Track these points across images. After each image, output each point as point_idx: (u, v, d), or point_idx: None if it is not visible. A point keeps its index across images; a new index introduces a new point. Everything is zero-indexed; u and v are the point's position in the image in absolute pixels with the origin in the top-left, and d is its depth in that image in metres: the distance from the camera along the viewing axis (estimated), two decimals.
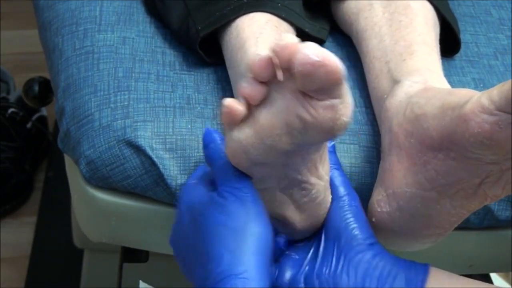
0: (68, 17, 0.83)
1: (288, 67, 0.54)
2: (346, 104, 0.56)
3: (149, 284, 0.88)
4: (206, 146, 0.64)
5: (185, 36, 0.78)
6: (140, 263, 0.88)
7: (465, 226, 0.78)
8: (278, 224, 0.67)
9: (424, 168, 0.64)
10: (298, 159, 0.61)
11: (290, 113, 0.56)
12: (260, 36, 0.72)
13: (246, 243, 0.59)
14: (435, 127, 0.62)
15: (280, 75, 0.55)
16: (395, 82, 0.71)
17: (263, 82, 0.57)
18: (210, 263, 0.59)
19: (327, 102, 0.55)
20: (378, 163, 0.71)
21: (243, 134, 0.59)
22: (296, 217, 0.66)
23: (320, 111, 0.56)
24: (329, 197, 0.68)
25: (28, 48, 1.63)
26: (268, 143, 0.58)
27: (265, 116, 0.57)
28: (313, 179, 0.64)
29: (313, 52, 0.53)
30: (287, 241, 0.70)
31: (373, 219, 0.69)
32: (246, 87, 0.57)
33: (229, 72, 0.75)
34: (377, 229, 0.69)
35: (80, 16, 0.82)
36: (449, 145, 0.61)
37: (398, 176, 0.66)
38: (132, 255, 0.87)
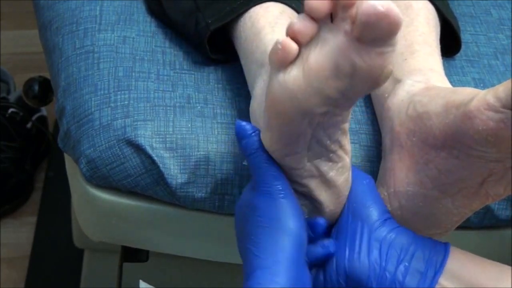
0: (68, 16, 0.83)
1: (347, 10, 0.54)
2: (394, 53, 0.57)
3: (149, 284, 0.88)
4: (239, 142, 0.64)
5: (192, 31, 0.78)
6: (140, 263, 0.88)
7: (465, 225, 0.78)
8: (304, 201, 0.66)
9: (426, 166, 0.64)
10: (331, 122, 0.61)
11: (343, 55, 0.56)
12: (275, 25, 0.72)
13: (278, 240, 0.60)
14: (439, 125, 0.62)
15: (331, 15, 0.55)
16: (397, 81, 0.71)
17: (314, 20, 0.56)
18: (245, 260, 0.60)
19: (380, 49, 0.55)
20: (379, 162, 0.71)
21: (291, 76, 0.58)
22: (321, 192, 0.65)
23: (372, 56, 0.55)
24: (350, 179, 0.67)
25: (28, 48, 1.62)
26: (315, 85, 0.57)
27: (315, 56, 0.57)
28: (340, 152, 0.63)
29: (379, 3, 0.53)
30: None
31: None
32: (296, 22, 0.56)
33: (243, 62, 0.74)
34: None
35: (80, 16, 0.82)
36: (453, 143, 0.61)
37: (400, 175, 0.66)
38: (132, 255, 0.87)
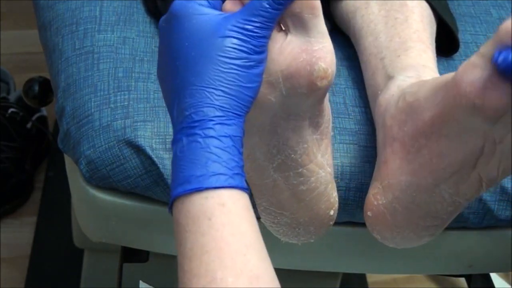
0: (68, 17, 0.83)
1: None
2: (325, 48, 0.55)
3: (149, 284, 0.88)
4: None
5: None
6: (140, 263, 0.88)
7: (465, 226, 0.78)
8: (277, 219, 0.66)
9: (419, 154, 0.63)
10: (289, 132, 0.60)
11: (271, 62, 0.55)
12: None
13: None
14: (428, 108, 0.62)
15: None
16: (389, 78, 0.71)
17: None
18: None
19: (305, 38, 0.55)
20: None
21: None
22: (293, 206, 0.65)
23: (295, 46, 0.55)
24: (334, 193, 0.68)
25: (28, 48, 1.62)
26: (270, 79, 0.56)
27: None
28: (311, 166, 0.63)
29: None
30: None
31: (369, 213, 0.68)
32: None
33: None
34: (373, 223, 0.68)
35: (80, 16, 0.82)
36: (442, 121, 0.60)
37: (393, 166, 0.66)
38: (132, 255, 0.87)
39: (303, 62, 0.55)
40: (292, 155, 0.61)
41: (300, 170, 0.63)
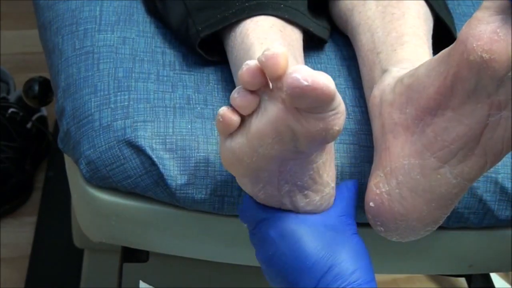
0: (68, 17, 0.83)
1: (276, 80, 0.54)
2: (339, 115, 0.57)
3: (149, 284, 0.88)
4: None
5: (184, 36, 0.78)
6: (140, 263, 0.88)
7: (465, 226, 0.78)
8: None
9: (423, 133, 0.63)
10: (297, 167, 0.61)
11: (281, 123, 0.56)
12: (265, 41, 0.72)
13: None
14: (432, 82, 0.62)
15: (270, 83, 0.56)
16: (384, 71, 0.71)
17: (253, 91, 0.57)
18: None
19: (320, 115, 0.56)
20: None
21: (236, 144, 0.59)
22: None
23: (312, 122, 0.56)
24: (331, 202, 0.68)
25: (28, 48, 1.63)
26: (261, 151, 0.58)
27: (256, 125, 0.57)
28: (316, 187, 0.64)
29: (303, 77, 0.53)
30: None
31: (371, 204, 0.68)
32: (237, 97, 0.57)
33: (235, 79, 0.75)
34: (376, 214, 0.68)
35: (80, 16, 0.82)
36: (447, 93, 0.60)
37: (396, 151, 0.66)
38: (132, 255, 0.87)
39: (319, 130, 0.57)
40: (299, 182, 0.63)
41: (306, 192, 0.64)
